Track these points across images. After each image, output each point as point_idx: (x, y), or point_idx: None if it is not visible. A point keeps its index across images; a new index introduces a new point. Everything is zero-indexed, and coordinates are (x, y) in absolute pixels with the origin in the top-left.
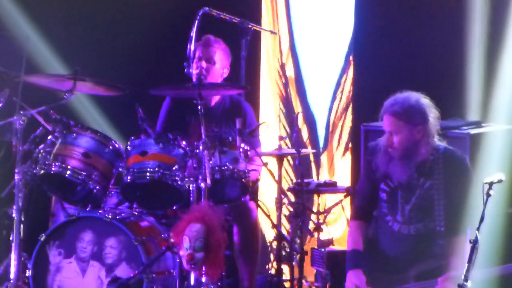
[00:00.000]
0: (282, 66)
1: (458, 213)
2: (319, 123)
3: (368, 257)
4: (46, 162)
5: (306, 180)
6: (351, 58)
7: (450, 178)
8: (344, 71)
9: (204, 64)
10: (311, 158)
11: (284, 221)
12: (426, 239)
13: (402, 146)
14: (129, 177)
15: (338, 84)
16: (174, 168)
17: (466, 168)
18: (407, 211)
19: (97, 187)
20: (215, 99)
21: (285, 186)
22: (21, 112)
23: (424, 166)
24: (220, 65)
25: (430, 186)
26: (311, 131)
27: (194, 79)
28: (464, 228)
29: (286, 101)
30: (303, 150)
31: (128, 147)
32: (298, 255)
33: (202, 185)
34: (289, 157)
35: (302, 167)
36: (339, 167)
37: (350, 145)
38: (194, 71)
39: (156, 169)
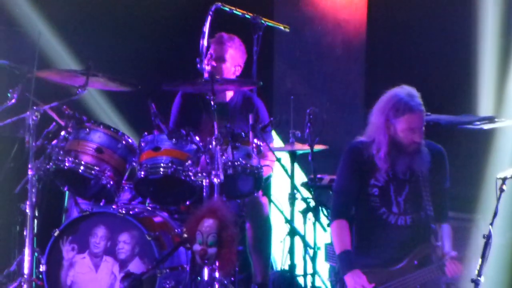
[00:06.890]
0: None
1: (445, 201)
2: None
3: (361, 255)
4: (59, 158)
5: (319, 176)
6: None
7: (436, 168)
8: None
9: (214, 63)
10: None
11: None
12: (422, 227)
13: (421, 140)
14: (142, 173)
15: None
16: (187, 164)
17: (446, 158)
18: (402, 202)
19: (110, 182)
20: (229, 95)
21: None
22: (34, 108)
23: None
24: (231, 63)
25: (418, 178)
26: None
27: (206, 75)
28: (448, 214)
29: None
30: (316, 146)
31: (141, 142)
32: (312, 250)
33: (215, 180)
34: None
35: (315, 162)
36: None
37: None
38: (206, 66)
39: (169, 164)
